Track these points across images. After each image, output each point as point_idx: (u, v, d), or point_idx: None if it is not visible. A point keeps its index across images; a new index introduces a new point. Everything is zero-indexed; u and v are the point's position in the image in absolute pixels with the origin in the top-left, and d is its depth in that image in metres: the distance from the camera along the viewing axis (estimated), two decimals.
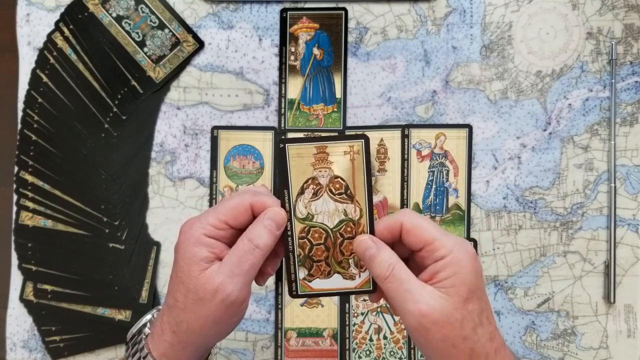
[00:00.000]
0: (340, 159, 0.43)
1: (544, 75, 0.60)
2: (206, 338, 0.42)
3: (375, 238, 0.42)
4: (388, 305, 0.60)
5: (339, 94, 0.61)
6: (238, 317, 0.43)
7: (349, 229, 0.44)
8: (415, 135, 0.60)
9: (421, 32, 0.61)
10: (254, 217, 0.43)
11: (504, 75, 0.60)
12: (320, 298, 0.60)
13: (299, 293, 0.45)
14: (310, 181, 0.43)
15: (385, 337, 0.60)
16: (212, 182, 0.61)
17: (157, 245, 0.60)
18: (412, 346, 0.59)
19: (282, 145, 0.42)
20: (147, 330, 0.44)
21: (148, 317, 0.46)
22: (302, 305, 0.60)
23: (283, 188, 0.43)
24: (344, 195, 0.43)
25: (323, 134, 0.61)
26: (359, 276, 0.44)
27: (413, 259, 0.43)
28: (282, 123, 0.61)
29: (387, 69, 0.61)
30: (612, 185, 0.59)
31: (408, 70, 0.61)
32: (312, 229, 0.44)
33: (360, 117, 0.61)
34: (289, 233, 0.43)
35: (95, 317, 0.60)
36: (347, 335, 0.60)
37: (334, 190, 0.43)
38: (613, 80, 0.59)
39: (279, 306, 0.60)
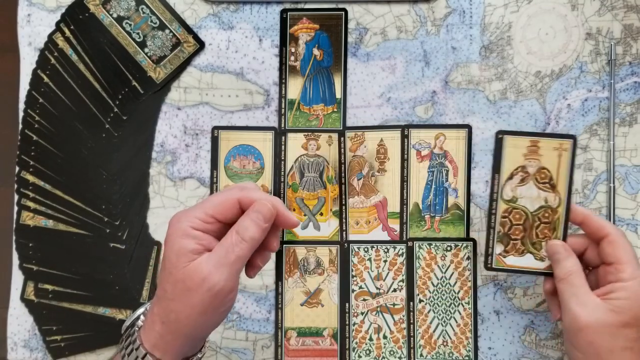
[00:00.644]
0: (550, 152, 0.51)
1: (543, 75, 0.60)
2: (194, 328, 0.43)
3: (566, 246, 0.50)
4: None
5: (338, 94, 0.61)
6: (224, 307, 0.44)
7: (546, 214, 0.51)
8: (415, 135, 0.60)
9: (421, 32, 0.61)
10: (242, 211, 0.44)
11: (504, 76, 0.60)
12: (321, 297, 0.60)
13: (493, 267, 0.53)
14: (520, 169, 0.51)
15: (385, 337, 0.60)
16: (213, 182, 0.61)
17: (158, 245, 0.61)
18: (411, 346, 0.60)
19: (500, 136, 0.51)
20: (140, 323, 0.45)
21: (141, 310, 0.46)
22: (302, 304, 0.60)
23: (495, 172, 0.52)
24: (547, 185, 0.51)
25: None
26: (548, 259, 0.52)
27: (596, 271, 0.50)
28: (282, 123, 0.61)
29: (386, 70, 0.61)
30: (611, 185, 0.59)
31: (408, 71, 0.61)
32: (514, 210, 0.51)
33: (360, 117, 0.61)
34: (493, 211, 0.52)
35: (96, 316, 0.60)
36: (347, 335, 0.60)
37: (539, 179, 0.51)
38: (612, 81, 0.59)
39: (279, 306, 0.60)
